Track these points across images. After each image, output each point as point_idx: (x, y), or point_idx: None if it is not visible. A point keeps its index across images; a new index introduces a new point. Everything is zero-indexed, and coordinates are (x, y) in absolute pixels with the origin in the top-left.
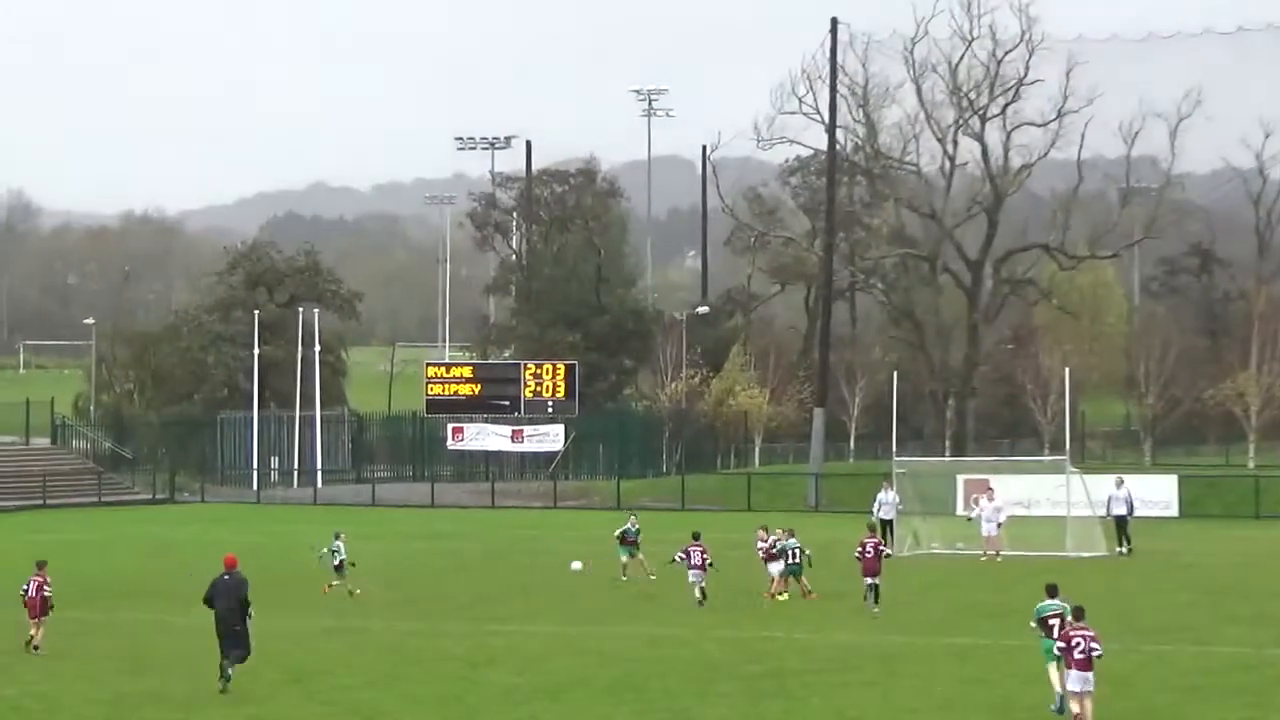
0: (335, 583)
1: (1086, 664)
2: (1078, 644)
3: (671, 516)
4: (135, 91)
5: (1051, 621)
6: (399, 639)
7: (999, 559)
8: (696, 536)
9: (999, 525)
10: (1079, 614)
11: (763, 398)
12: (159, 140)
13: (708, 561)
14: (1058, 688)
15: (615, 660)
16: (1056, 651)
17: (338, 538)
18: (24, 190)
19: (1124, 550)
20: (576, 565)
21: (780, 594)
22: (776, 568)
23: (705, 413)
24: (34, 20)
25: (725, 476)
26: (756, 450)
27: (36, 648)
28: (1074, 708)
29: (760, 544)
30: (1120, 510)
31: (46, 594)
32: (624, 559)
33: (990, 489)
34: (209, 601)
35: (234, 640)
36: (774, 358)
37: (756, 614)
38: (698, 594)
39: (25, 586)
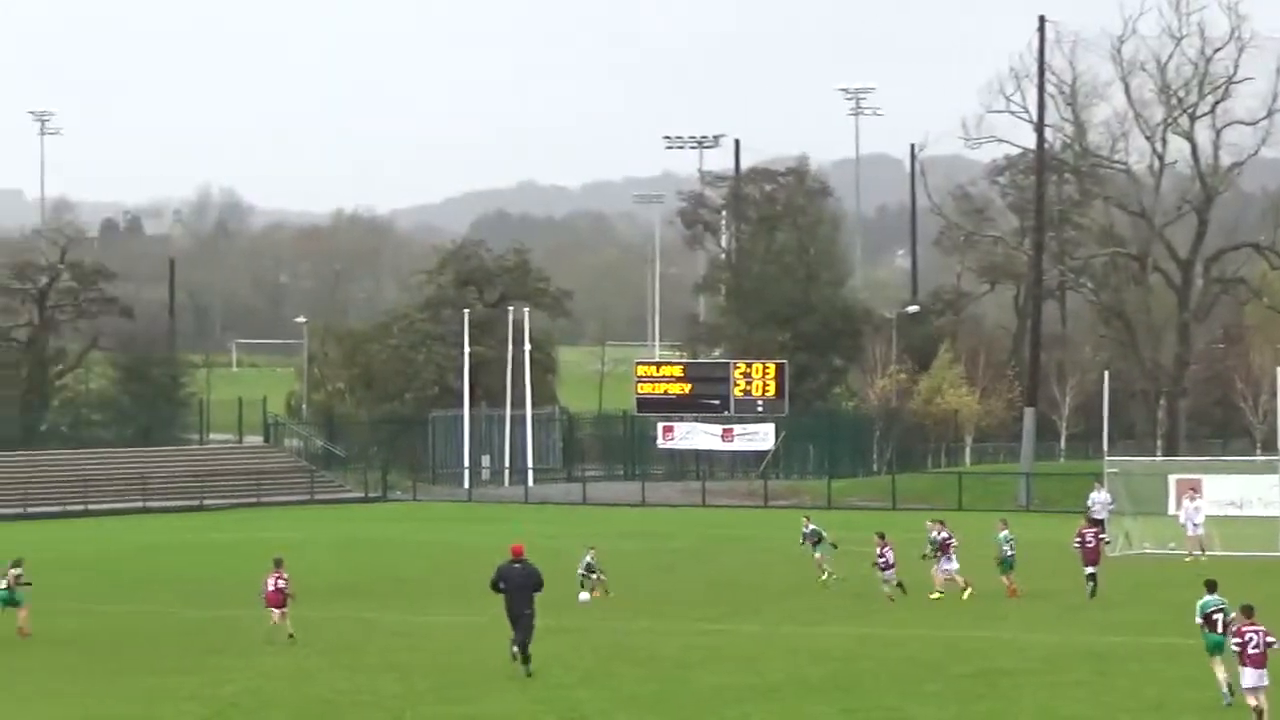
0: (593, 593)
1: (1261, 660)
2: (1251, 639)
3: (881, 516)
4: (343, 92)
5: (1215, 617)
6: (614, 638)
7: (1203, 559)
8: (882, 536)
9: (1196, 525)
10: (1249, 612)
11: (972, 396)
12: (369, 140)
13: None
14: (1223, 681)
15: (825, 659)
16: (1233, 649)
17: (589, 551)
18: (235, 189)
19: None
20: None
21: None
22: (948, 565)
23: (915, 412)
24: (253, 20)
25: (936, 476)
26: (967, 449)
27: (291, 635)
28: (1250, 702)
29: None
30: None
31: (284, 589)
32: (815, 556)
33: (1193, 490)
34: (496, 587)
35: (525, 625)
36: (983, 357)
37: (965, 613)
38: (888, 591)
39: (265, 584)
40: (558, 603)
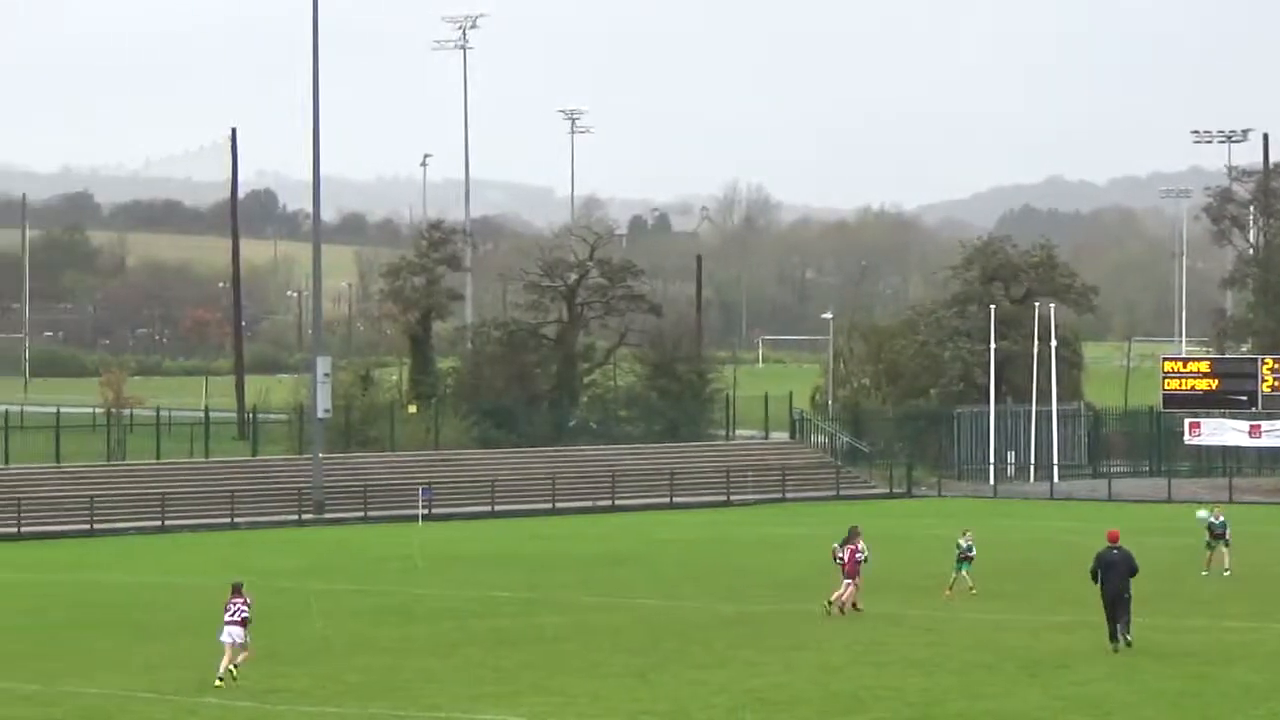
0: (954, 578)
1: None
2: None
3: None
4: (867, 90)
5: None
6: (1139, 633)
7: None
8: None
9: None
10: None
11: None
12: (894, 137)
13: None
14: None
15: None
16: None
17: (965, 535)
18: (763, 185)
19: None
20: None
21: None
22: None
23: None
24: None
25: None
26: None
27: (857, 606)
28: None
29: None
30: None
31: (859, 558)
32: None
33: None
34: (1095, 574)
35: (1124, 607)
36: None
37: None
38: None
39: (840, 555)
40: (1082, 598)
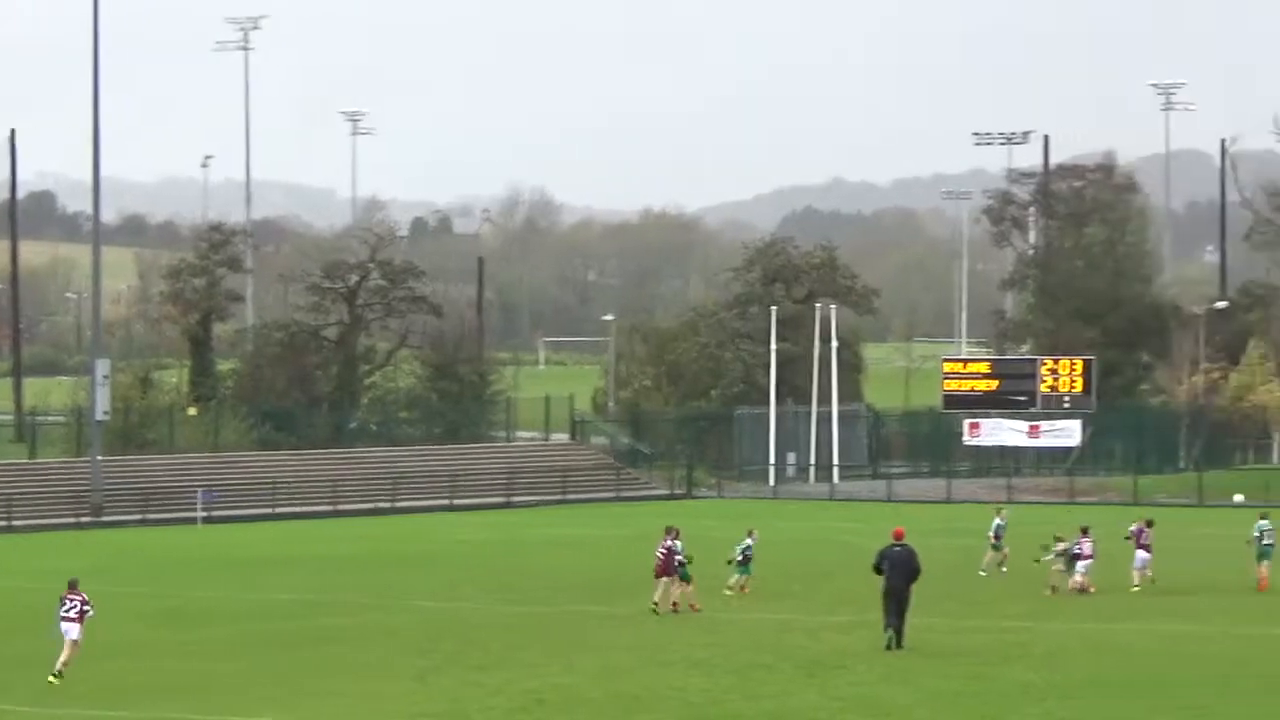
0: (733, 580)
1: None
2: None
3: (1187, 513)
4: (646, 90)
5: None
6: (915, 635)
7: None
8: (1085, 531)
9: None
10: None
11: None
12: (677, 138)
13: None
14: None
15: (1130, 657)
16: None
17: (750, 535)
18: (544, 187)
19: None
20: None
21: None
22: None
23: (1223, 408)
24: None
25: (1243, 473)
26: (1276, 446)
27: (694, 606)
28: None
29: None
30: None
31: (678, 558)
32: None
33: None
34: (878, 569)
35: (903, 606)
36: None
37: (1272, 609)
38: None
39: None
40: (862, 599)
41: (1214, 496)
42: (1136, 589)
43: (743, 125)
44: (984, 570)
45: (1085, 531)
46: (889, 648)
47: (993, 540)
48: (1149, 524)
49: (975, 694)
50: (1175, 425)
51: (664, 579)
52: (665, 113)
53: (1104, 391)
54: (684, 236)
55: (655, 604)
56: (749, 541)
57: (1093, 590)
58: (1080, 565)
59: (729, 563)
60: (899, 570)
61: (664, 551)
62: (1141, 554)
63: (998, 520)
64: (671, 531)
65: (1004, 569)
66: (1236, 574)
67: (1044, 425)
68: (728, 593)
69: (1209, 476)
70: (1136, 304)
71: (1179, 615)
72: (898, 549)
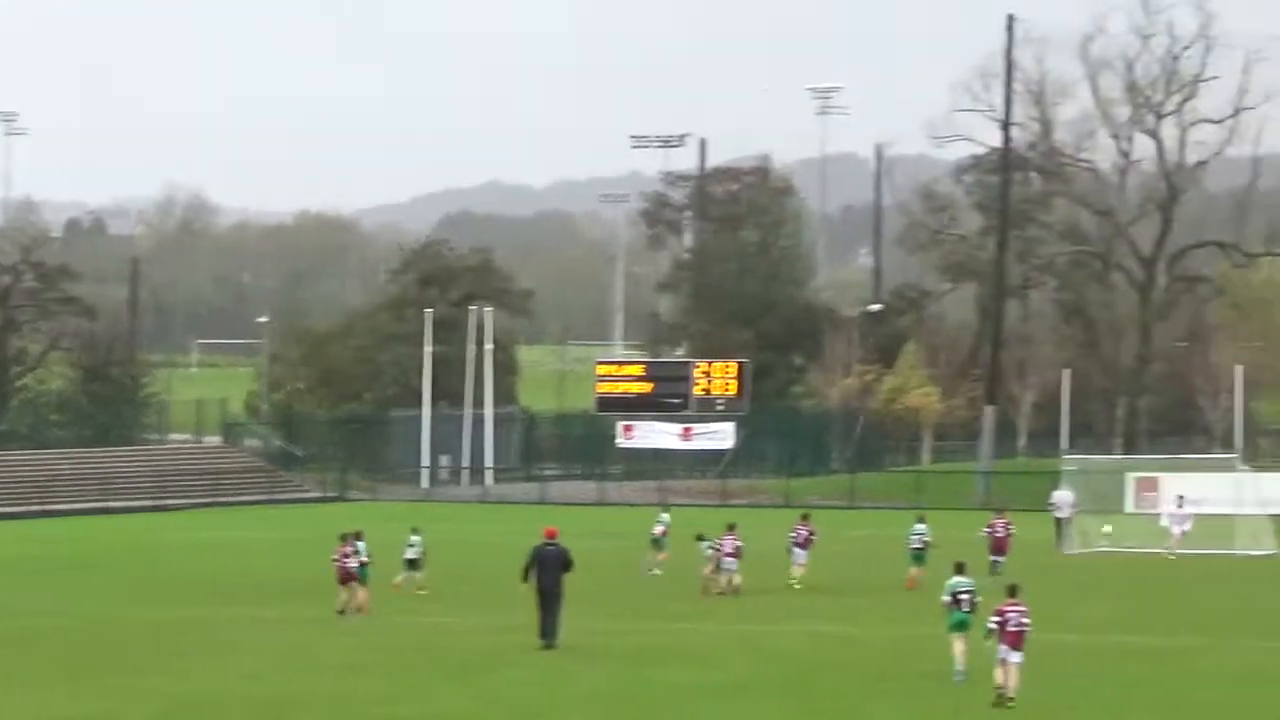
0: (400, 578)
1: (1018, 638)
2: (1011, 619)
3: (840, 514)
4: (306, 90)
5: (962, 596)
6: (568, 636)
7: (1171, 558)
8: (731, 528)
9: (1181, 527)
10: (1013, 591)
11: (934, 396)
12: (335, 140)
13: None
14: (959, 661)
15: (784, 657)
16: (991, 625)
17: (415, 533)
18: (201, 188)
19: None
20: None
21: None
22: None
23: (875, 410)
24: (221, 15)
25: (894, 474)
26: (926, 448)
27: (358, 610)
28: (998, 678)
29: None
30: None
31: (349, 564)
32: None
33: (1181, 495)
34: (529, 569)
35: (556, 605)
36: (945, 355)
37: (923, 610)
38: (724, 581)
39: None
40: (515, 600)
41: (866, 498)
42: (799, 587)
43: (400, 127)
44: (656, 571)
45: (732, 529)
46: (543, 647)
47: (655, 538)
48: (804, 518)
49: (630, 695)
50: (828, 428)
51: (348, 585)
52: (323, 114)
53: (758, 394)
54: (340, 239)
55: (341, 610)
56: (415, 539)
57: (738, 583)
58: (726, 563)
59: (406, 562)
60: (551, 569)
61: (342, 558)
62: (799, 552)
63: (661, 519)
64: (348, 539)
65: (657, 572)
66: (889, 575)
67: (697, 428)
68: (396, 590)
69: (861, 479)
70: (791, 307)
71: (833, 616)
72: (550, 548)
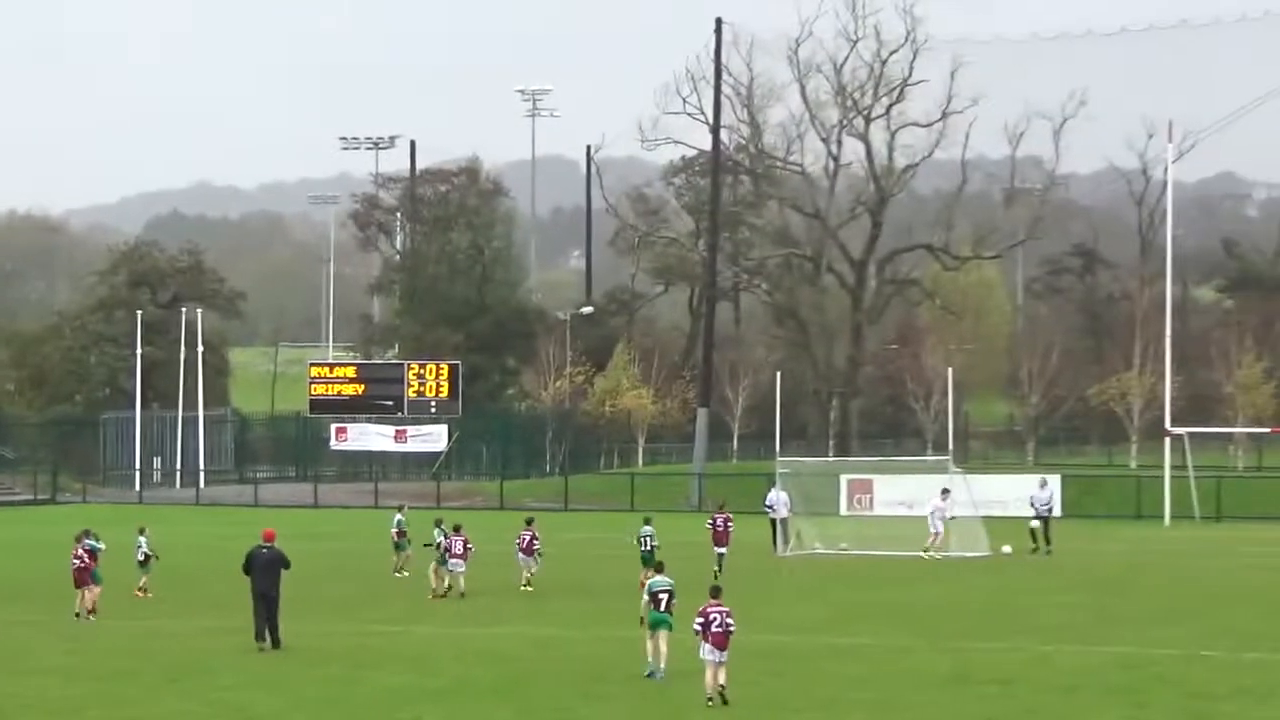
0: (143, 581)
1: (723, 639)
2: (715, 619)
3: (555, 517)
4: (12, 90)
5: (661, 596)
6: (285, 639)
7: (926, 557)
8: (458, 529)
9: (938, 525)
10: (716, 592)
11: (647, 398)
12: (40, 138)
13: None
14: (650, 656)
15: (498, 660)
16: (696, 627)
17: (142, 533)
18: None
19: (1048, 550)
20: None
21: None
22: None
23: (589, 413)
24: None
25: (608, 476)
26: (640, 450)
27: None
28: (708, 677)
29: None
30: (1045, 511)
31: (87, 564)
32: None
33: (944, 490)
34: (246, 571)
35: (272, 608)
36: (658, 357)
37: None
38: (451, 583)
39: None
40: (231, 603)
41: (579, 500)
42: (529, 589)
43: (107, 127)
44: (405, 573)
45: (458, 530)
46: (261, 650)
47: (395, 540)
48: (528, 522)
49: (345, 699)
50: (541, 429)
51: (83, 587)
52: (29, 113)
53: (470, 396)
54: (48, 239)
55: (79, 612)
56: (141, 540)
57: (462, 584)
58: (453, 563)
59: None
60: (267, 572)
61: (78, 558)
62: (525, 558)
63: (399, 518)
64: (80, 538)
65: (404, 573)
66: (603, 577)
67: (411, 430)
68: (140, 594)
69: (575, 480)
70: (503, 309)
71: (547, 619)
72: (265, 550)
